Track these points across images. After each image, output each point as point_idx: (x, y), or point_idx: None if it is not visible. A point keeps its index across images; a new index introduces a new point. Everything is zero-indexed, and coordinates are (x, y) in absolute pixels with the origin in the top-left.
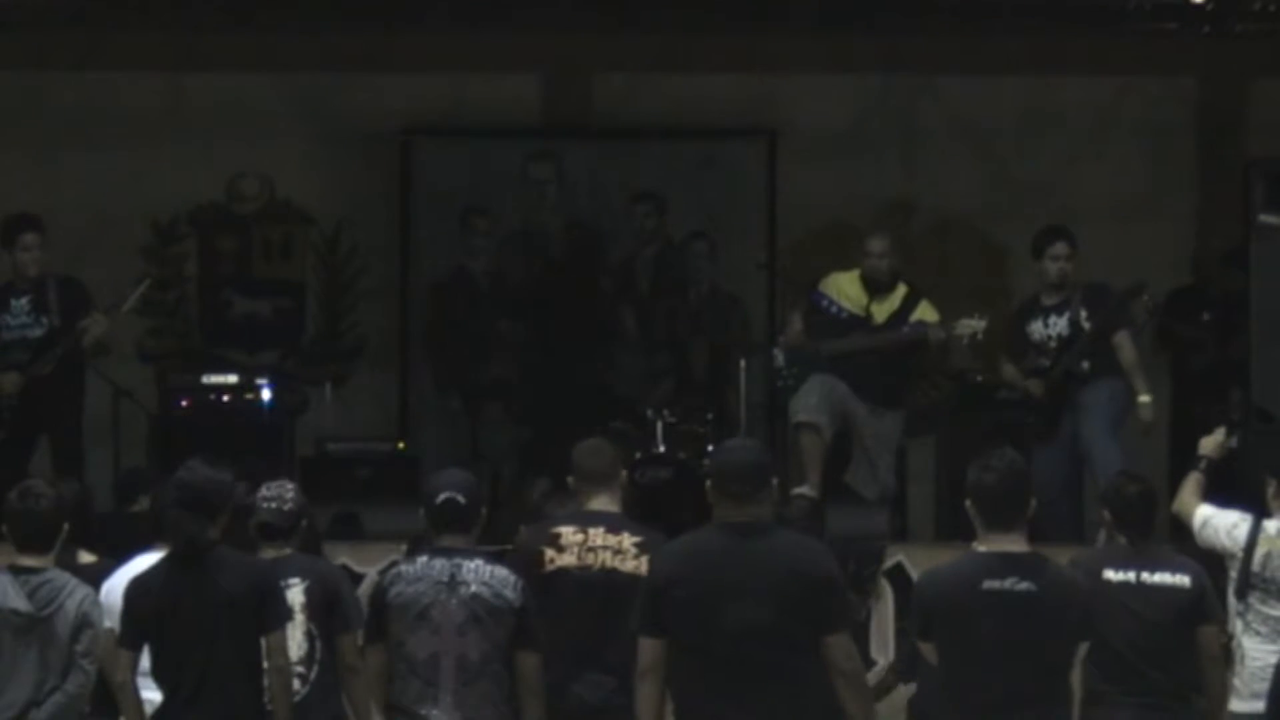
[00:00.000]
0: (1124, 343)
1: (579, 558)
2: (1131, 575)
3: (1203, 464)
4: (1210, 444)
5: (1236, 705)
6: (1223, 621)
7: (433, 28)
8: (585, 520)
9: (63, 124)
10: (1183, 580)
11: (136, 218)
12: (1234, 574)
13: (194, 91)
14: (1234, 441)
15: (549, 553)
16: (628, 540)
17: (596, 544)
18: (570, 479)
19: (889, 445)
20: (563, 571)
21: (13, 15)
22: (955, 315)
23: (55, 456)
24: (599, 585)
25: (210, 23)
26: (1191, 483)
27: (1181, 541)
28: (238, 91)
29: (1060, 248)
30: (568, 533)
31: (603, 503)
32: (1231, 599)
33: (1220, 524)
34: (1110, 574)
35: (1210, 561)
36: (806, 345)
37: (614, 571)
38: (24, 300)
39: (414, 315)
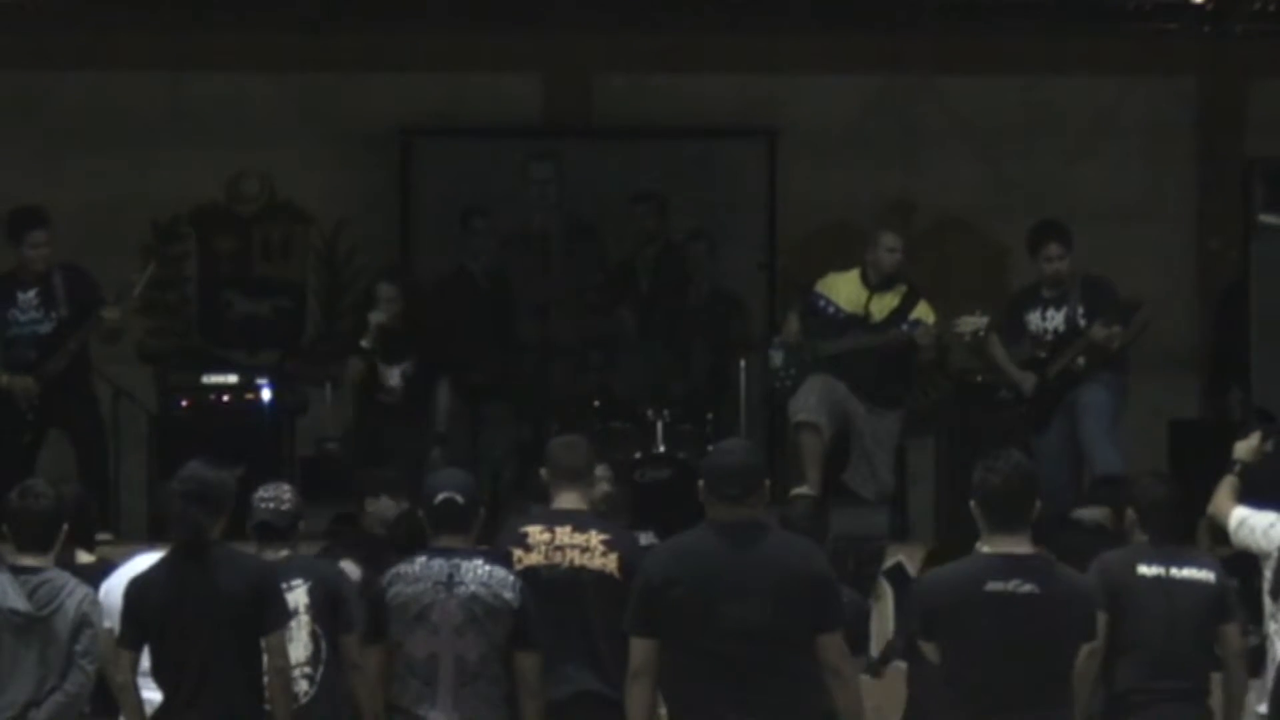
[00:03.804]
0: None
1: (546, 556)
2: (1161, 569)
3: (1237, 467)
4: (1245, 448)
5: (1263, 709)
6: (1243, 620)
7: (433, 28)
8: (552, 519)
9: (63, 124)
10: (1208, 576)
11: (136, 218)
12: (1269, 574)
13: (194, 91)
14: (1270, 445)
15: (517, 552)
16: (595, 538)
17: (564, 542)
18: (543, 471)
19: (888, 445)
20: (531, 570)
21: (13, 15)
22: (955, 315)
23: (80, 458)
24: (566, 583)
25: (210, 23)
26: (1226, 485)
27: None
28: (238, 91)
29: (1053, 249)
30: (535, 532)
31: (572, 500)
32: (1266, 600)
33: (1256, 524)
34: (1143, 569)
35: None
36: (804, 345)
37: (581, 569)
38: (31, 294)
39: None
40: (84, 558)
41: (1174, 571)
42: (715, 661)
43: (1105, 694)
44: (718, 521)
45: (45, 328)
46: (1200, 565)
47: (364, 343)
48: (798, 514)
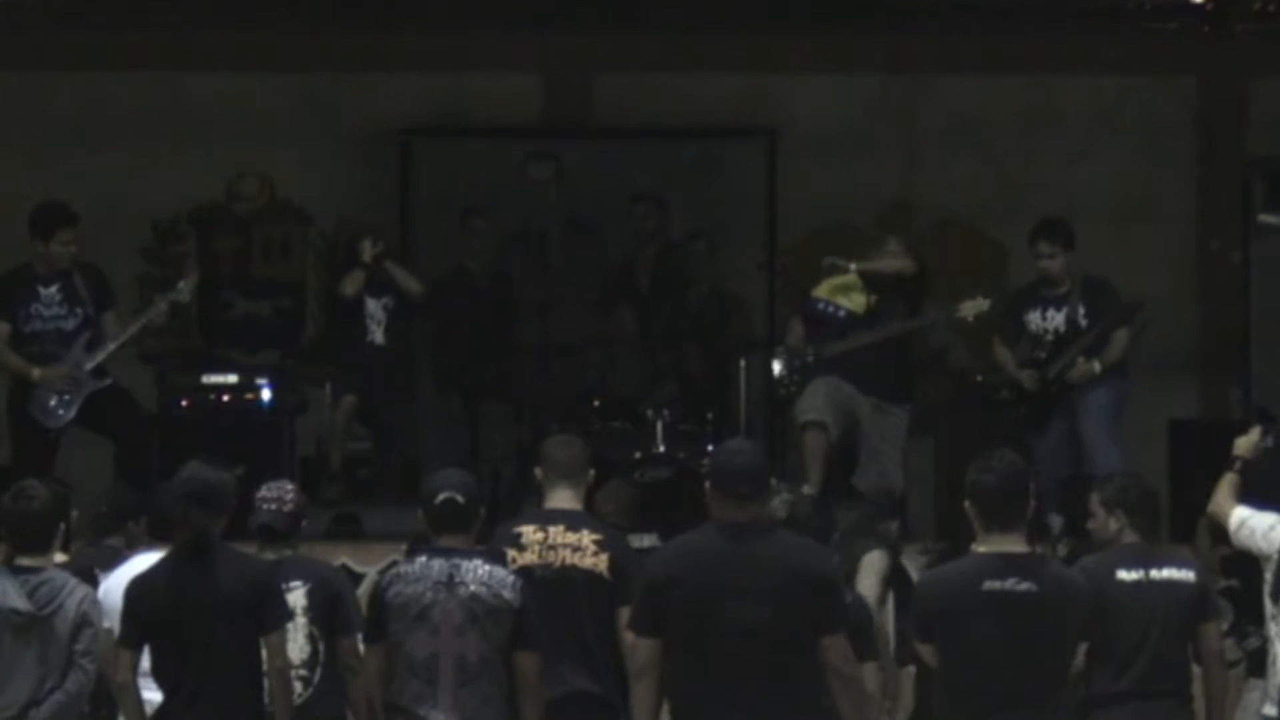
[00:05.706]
0: (1121, 339)
1: (540, 556)
2: (1140, 573)
3: (1237, 465)
4: (1245, 444)
5: (1270, 710)
6: (1222, 618)
7: (432, 27)
8: (546, 519)
9: (63, 124)
10: (1188, 575)
11: (136, 218)
12: (1269, 576)
13: (194, 91)
14: (1270, 441)
15: (511, 552)
16: (587, 537)
17: (556, 542)
18: (537, 470)
19: (896, 441)
20: (525, 570)
21: (13, 15)
22: (956, 303)
23: (120, 459)
24: (558, 582)
25: (210, 23)
26: (1226, 484)
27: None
28: (238, 91)
29: (1042, 246)
30: (528, 531)
31: (565, 499)
32: (1267, 601)
33: (1257, 525)
34: (1123, 574)
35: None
36: (807, 351)
37: (573, 568)
38: (53, 289)
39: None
40: (58, 557)
41: (1153, 574)
42: (718, 662)
43: (1086, 696)
44: (723, 521)
45: (70, 324)
46: (1180, 565)
47: (366, 257)
48: (801, 513)
